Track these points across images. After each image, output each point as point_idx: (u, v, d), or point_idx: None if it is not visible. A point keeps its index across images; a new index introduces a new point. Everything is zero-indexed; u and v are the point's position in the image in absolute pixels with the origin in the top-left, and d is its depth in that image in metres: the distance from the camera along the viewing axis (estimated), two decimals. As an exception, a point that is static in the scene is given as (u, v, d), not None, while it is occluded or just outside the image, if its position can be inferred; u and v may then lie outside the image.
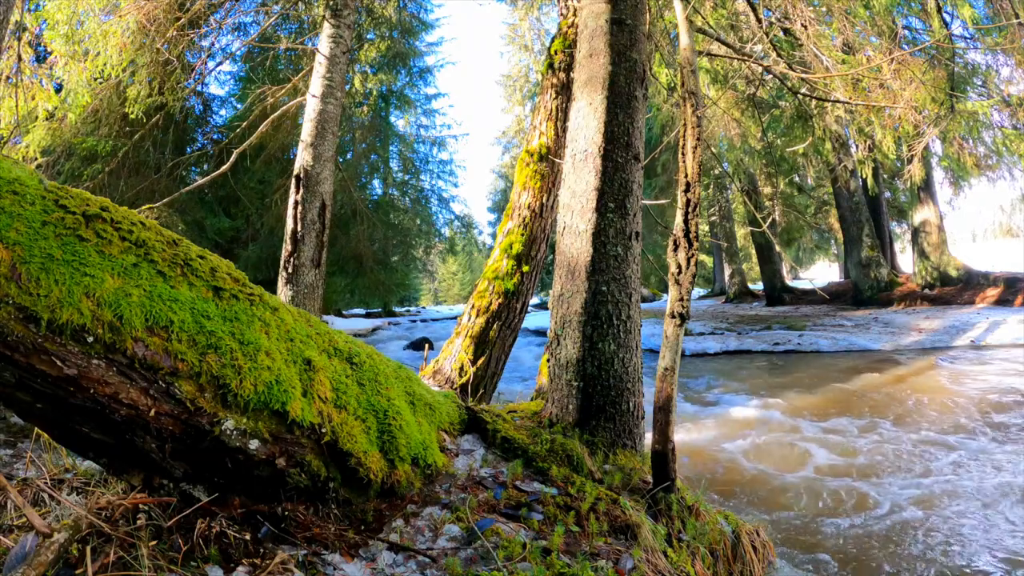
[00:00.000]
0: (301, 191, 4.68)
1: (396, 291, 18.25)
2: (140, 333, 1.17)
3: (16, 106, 4.90)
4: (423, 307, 37.11)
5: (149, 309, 1.20)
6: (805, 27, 4.61)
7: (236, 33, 9.58)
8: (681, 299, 1.98)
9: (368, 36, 14.56)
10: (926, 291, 13.54)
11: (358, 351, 1.77)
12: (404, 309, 28.48)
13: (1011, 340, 8.65)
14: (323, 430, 1.47)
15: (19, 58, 4.76)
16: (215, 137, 13.16)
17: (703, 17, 5.32)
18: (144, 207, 4.75)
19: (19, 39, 4.74)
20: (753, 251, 21.29)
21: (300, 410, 1.42)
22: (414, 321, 20.56)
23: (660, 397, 2.01)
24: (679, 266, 1.99)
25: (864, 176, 9.91)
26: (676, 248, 2.01)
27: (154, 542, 1.25)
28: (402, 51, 16.90)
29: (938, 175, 13.92)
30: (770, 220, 15.46)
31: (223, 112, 13.97)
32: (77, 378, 1.11)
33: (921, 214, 14.27)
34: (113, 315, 1.14)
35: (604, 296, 2.41)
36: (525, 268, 3.89)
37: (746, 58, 4.50)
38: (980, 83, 7.31)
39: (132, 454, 1.30)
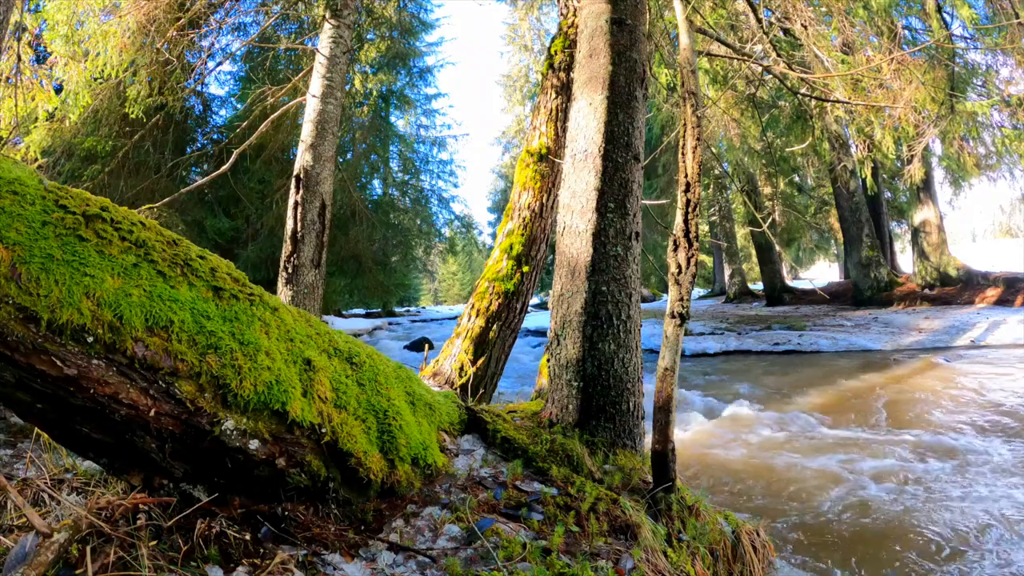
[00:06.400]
0: (301, 191, 4.68)
1: (396, 291, 18.26)
2: (140, 333, 1.17)
3: (16, 107, 4.89)
4: (423, 307, 37.13)
5: (149, 309, 1.19)
6: (805, 27, 4.61)
7: (236, 33, 9.61)
8: (681, 299, 1.98)
9: (368, 36, 14.55)
10: (926, 291, 13.54)
11: (358, 351, 1.77)
12: (404, 309, 28.49)
13: (1011, 340, 8.65)
14: (323, 430, 1.47)
15: (19, 58, 4.76)
16: (215, 137, 13.16)
17: (703, 17, 5.32)
18: (144, 207, 4.75)
19: (19, 39, 4.73)
20: (753, 251, 21.29)
21: (300, 410, 1.42)
22: (414, 321, 20.56)
23: (660, 397, 2.01)
24: (679, 266, 1.99)
25: (864, 176, 9.91)
26: (676, 248, 2.01)
27: (154, 542, 1.25)
28: (402, 51, 16.91)
29: (938, 175, 13.93)
30: (770, 220, 15.45)
31: (223, 112, 13.98)
32: (77, 378, 1.11)
33: (921, 214, 14.26)
34: (113, 315, 1.14)
35: (604, 296, 2.41)
36: (525, 268, 3.89)
37: (746, 58, 4.49)
38: (980, 83, 7.32)
39: (132, 454, 1.30)
